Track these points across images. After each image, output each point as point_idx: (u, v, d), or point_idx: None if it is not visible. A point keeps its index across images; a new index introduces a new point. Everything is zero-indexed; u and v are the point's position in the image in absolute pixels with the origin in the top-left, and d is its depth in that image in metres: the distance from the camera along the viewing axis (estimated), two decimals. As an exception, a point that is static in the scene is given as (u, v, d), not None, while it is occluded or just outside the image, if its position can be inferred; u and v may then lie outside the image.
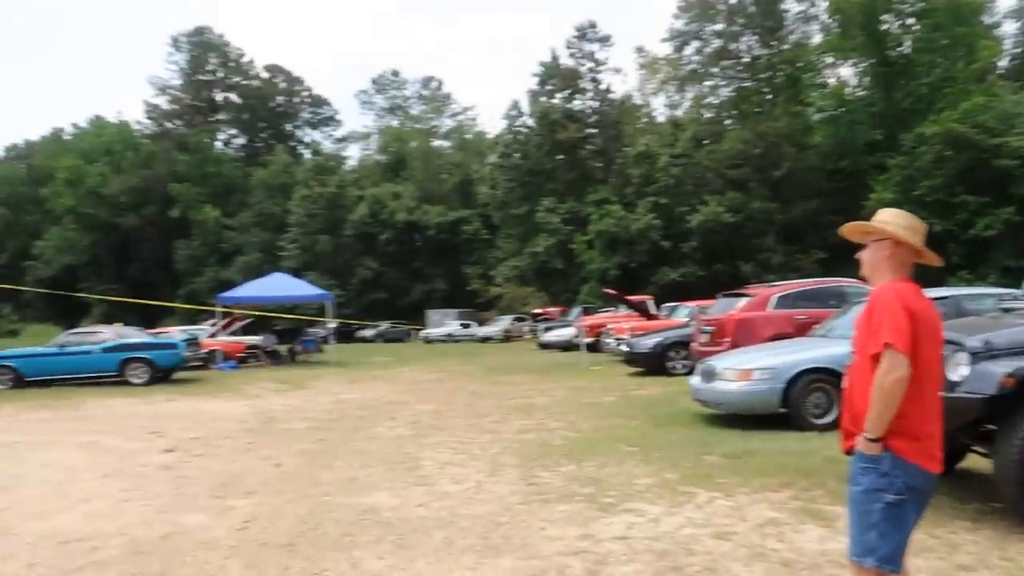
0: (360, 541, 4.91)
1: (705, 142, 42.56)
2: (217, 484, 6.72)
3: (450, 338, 42.44)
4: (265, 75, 69.81)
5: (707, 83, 47.77)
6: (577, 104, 47.93)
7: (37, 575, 4.55)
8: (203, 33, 67.11)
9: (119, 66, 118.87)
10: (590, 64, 48.27)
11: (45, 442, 9.35)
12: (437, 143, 66.23)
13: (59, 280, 57.05)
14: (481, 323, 44.75)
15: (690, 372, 10.66)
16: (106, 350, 16.13)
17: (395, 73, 71.28)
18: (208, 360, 19.94)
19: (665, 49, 49.61)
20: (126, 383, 15.85)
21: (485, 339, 40.61)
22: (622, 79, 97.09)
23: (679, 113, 48.57)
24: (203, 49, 67.03)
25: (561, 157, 47.01)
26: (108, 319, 38.84)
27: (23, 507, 6.15)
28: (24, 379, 15.94)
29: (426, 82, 70.76)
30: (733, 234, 37.87)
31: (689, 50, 47.42)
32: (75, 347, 16.25)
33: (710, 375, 8.78)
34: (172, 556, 4.74)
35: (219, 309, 22.95)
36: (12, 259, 65.71)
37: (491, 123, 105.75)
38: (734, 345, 11.19)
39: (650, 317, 20.71)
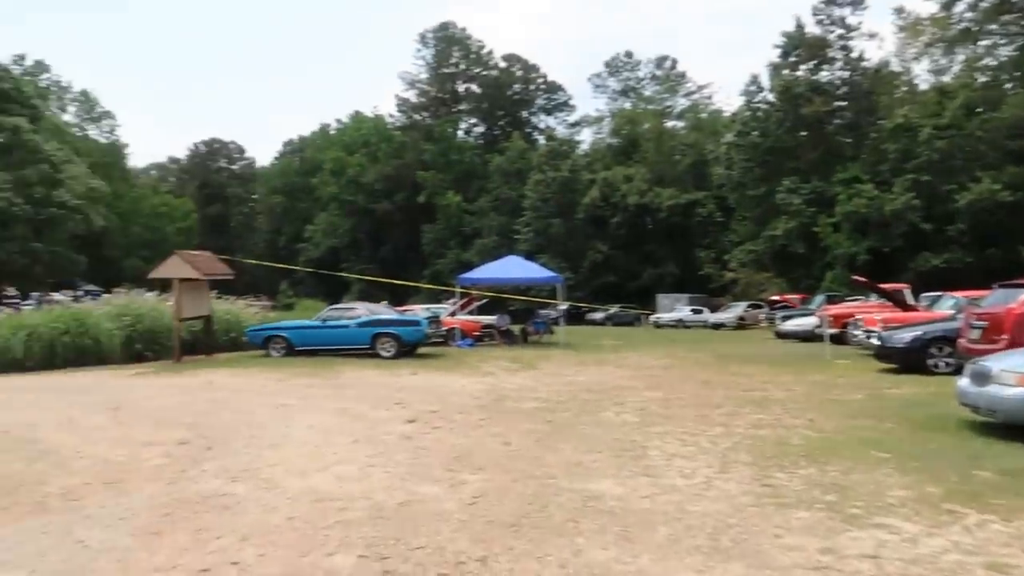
0: (584, 529, 4.86)
1: (978, 111, 37.55)
2: (451, 457, 7.04)
3: (680, 324, 41.56)
4: (503, 64, 72.57)
5: (982, 43, 41.88)
6: (824, 75, 44.48)
7: (294, 528, 5.03)
8: (447, 28, 71.18)
9: (377, 65, 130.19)
10: (840, 31, 44.53)
11: (309, 406, 10.42)
12: (670, 124, 64.83)
13: (325, 260, 63.86)
14: (713, 309, 43.28)
15: (956, 372, 9.41)
16: (360, 325, 17.70)
17: (628, 55, 70.73)
18: (447, 337, 21.19)
19: (930, 8, 44.39)
20: (377, 355, 17.29)
21: (717, 326, 39.24)
22: (877, 45, 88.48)
23: (946, 79, 43.21)
24: (447, 43, 71.12)
25: (804, 134, 43.93)
26: (364, 296, 42.82)
27: (288, 464, 6.87)
28: (294, 348, 17.98)
29: (659, 62, 69.44)
30: (1011, 215, 33.11)
31: (960, 6, 41.77)
32: (335, 321, 18.02)
33: (983, 377, 7.66)
34: (407, 524, 5.02)
35: (458, 289, 24.28)
36: (288, 241, 74.72)
37: (728, 101, 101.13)
38: (1013, 344, 9.71)
39: (907, 308, 18.68)
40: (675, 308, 44.94)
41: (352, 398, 11.16)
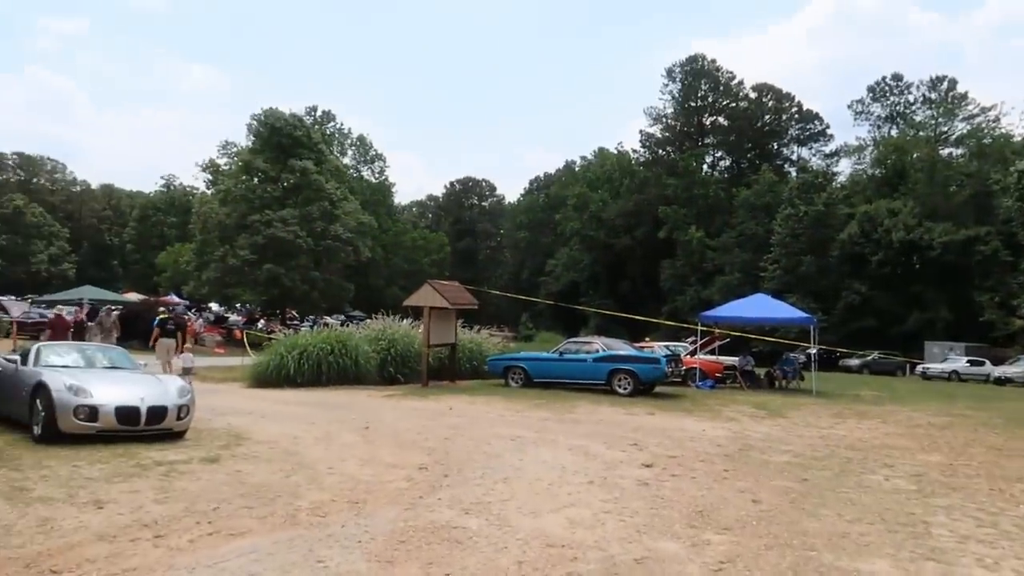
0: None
1: None
2: (692, 511, 6.42)
3: (954, 376, 36.57)
4: (753, 95, 69.87)
5: None
6: None
7: (522, 574, 4.74)
8: (696, 61, 70.06)
9: (623, 102, 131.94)
10: None
11: (543, 440, 10.27)
12: (946, 151, 58.11)
13: (565, 293, 65.09)
14: (997, 361, 37.59)
15: None
16: (596, 360, 17.46)
17: (896, 77, 64.71)
18: (686, 377, 20.28)
19: None
20: (612, 392, 16.91)
21: (1002, 380, 33.96)
22: None
23: None
24: (695, 76, 69.97)
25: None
26: (601, 331, 42.80)
27: (520, 501, 6.66)
28: (532, 379, 18.16)
29: (934, 83, 62.62)
30: None
31: None
32: (572, 355, 17.95)
33: None
34: (645, 586, 4.52)
35: (699, 328, 23.26)
36: (531, 274, 77.39)
37: (1019, 123, 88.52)
38: None
39: None
40: (947, 358, 39.70)
41: (586, 435, 10.85)
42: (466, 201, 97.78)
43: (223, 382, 18.14)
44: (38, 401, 8.65)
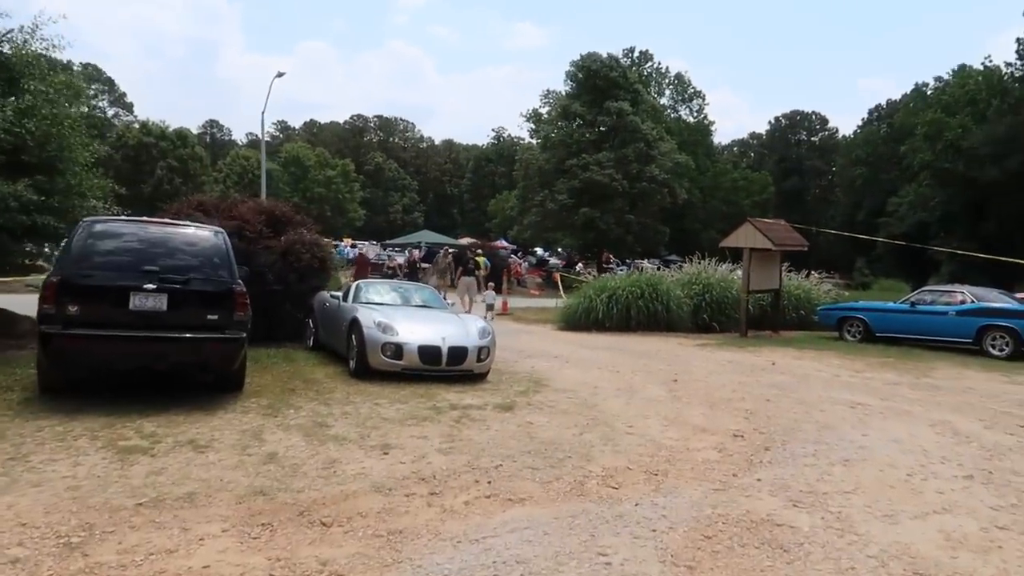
0: None
1: None
2: None
3: None
4: None
5: None
6: None
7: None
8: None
9: (990, 8, 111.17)
10: None
11: (892, 410, 8.29)
12: None
13: (910, 236, 56.91)
14: None
15: None
16: (961, 313, 14.30)
17: None
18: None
19: None
20: (983, 353, 13.73)
21: None
22: None
23: None
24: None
25: None
26: (956, 279, 36.49)
27: (868, 496, 5.11)
28: (873, 333, 15.53)
29: None
30: None
31: None
32: (928, 306, 14.94)
33: None
34: None
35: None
36: (868, 215, 69.10)
37: None
38: None
39: None
40: None
41: (951, 408, 8.58)
42: (793, 137, 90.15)
43: (535, 323, 18.23)
44: (352, 336, 8.90)
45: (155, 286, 6.70)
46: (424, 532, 4.18)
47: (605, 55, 45.16)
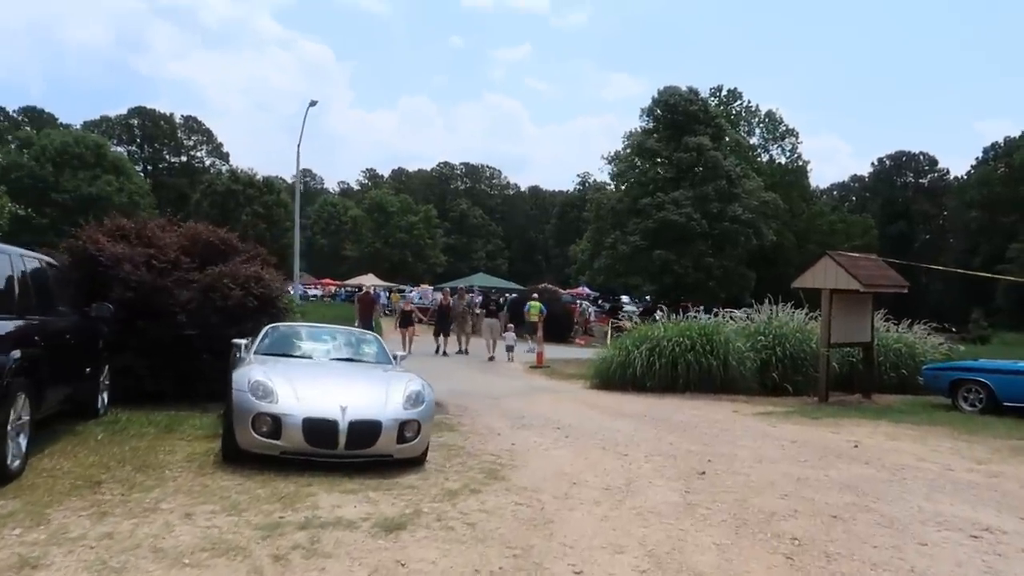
0: None
1: None
2: None
3: None
4: None
5: None
6: None
7: None
8: None
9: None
10: None
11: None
12: None
13: (1035, 284, 50.74)
14: None
15: None
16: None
17: None
18: None
19: None
20: None
21: None
22: None
23: None
24: None
25: None
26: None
27: None
28: (999, 402, 11.85)
29: None
30: None
31: None
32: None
33: None
34: None
35: None
36: (985, 262, 62.58)
37: None
38: None
39: None
40: None
41: None
42: (899, 179, 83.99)
43: (569, 379, 15.36)
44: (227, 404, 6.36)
45: None
46: None
47: (685, 88, 42.31)
